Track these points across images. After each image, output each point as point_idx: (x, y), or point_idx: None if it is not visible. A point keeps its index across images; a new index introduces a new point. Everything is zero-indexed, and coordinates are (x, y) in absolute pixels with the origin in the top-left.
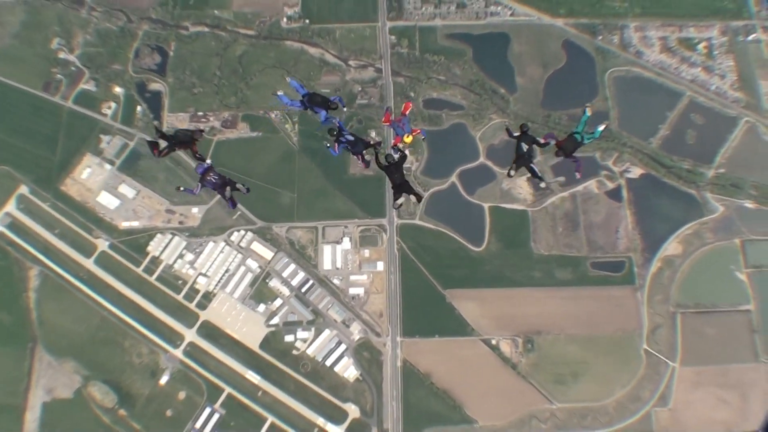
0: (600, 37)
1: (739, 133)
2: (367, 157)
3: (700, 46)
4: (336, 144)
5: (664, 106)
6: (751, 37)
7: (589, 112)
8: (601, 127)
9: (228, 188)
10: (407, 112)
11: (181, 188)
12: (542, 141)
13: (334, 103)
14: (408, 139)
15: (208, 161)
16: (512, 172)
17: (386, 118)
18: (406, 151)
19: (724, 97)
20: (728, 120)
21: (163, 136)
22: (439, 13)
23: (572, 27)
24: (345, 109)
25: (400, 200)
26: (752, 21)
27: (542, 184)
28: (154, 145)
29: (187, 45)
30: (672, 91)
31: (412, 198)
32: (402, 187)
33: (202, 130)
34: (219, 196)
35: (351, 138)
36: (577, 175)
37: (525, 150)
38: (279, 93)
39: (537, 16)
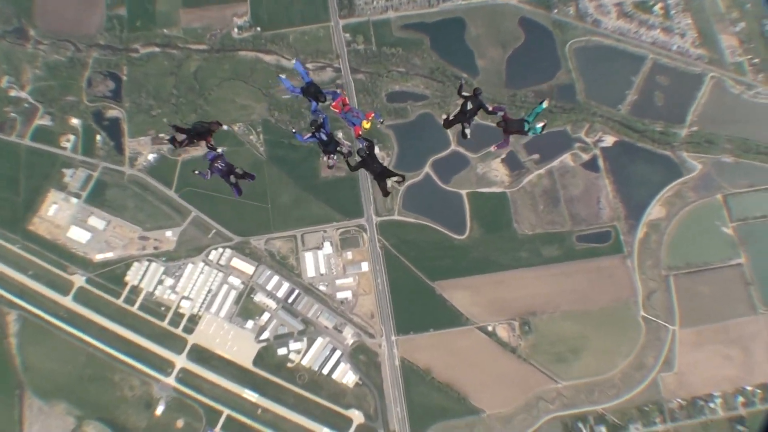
0: (555, 11)
1: (707, 89)
2: (330, 162)
3: (657, 7)
4: (312, 134)
5: (629, 72)
6: None
7: (545, 104)
8: (540, 125)
9: (232, 176)
10: (348, 106)
11: (196, 171)
12: (490, 108)
13: (324, 96)
14: (366, 124)
15: (220, 150)
16: (450, 118)
17: (336, 104)
18: (374, 141)
19: (687, 56)
20: (694, 77)
21: (180, 129)
22: (391, 5)
23: (526, 4)
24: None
25: (389, 183)
26: None
27: (467, 131)
28: (173, 139)
29: (139, 67)
30: (634, 55)
31: (392, 182)
32: (383, 173)
33: (220, 123)
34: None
35: (324, 138)
36: (492, 148)
37: (469, 109)
38: (282, 76)
39: None
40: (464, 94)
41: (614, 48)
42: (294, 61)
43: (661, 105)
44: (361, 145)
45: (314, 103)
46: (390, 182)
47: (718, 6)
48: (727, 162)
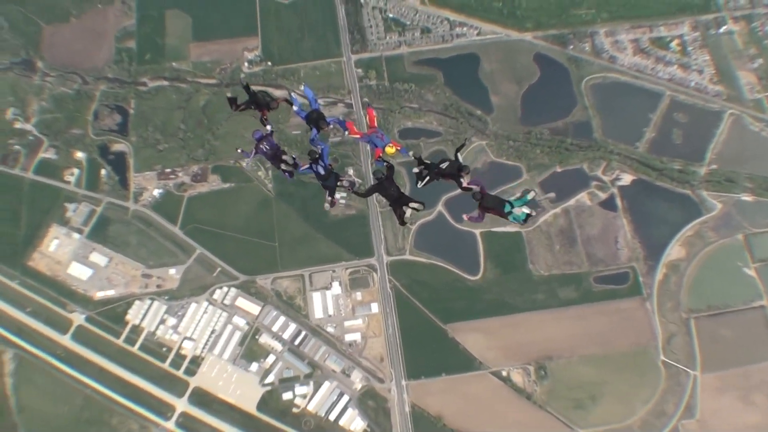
0: (571, 47)
1: (726, 126)
2: (337, 195)
3: (673, 43)
4: (309, 164)
5: (646, 108)
6: (722, 29)
7: (530, 196)
8: (525, 211)
9: (279, 161)
10: (374, 122)
11: (239, 149)
12: (464, 183)
13: (327, 123)
14: (390, 149)
15: (269, 128)
16: (421, 171)
17: (351, 127)
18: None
19: (705, 92)
20: (713, 114)
21: (248, 89)
22: (404, 41)
23: (541, 39)
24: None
25: (408, 212)
26: (721, 13)
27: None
28: (232, 101)
29: (147, 101)
30: (651, 92)
31: (408, 211)
32: (401, 199)
33: (286, 100)
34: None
35: (322, 172)
36: (465, 217)
37: (444, 169)
38: (293, 95)
39: (504, 32)
40: (459, 155)
41: (631, 84)
42: (303, 86)
43: (679, 143)
44: (378, 165)
45: (314, 131)
46: (408, 210)
47: (736, 42)
48: (747, 201)
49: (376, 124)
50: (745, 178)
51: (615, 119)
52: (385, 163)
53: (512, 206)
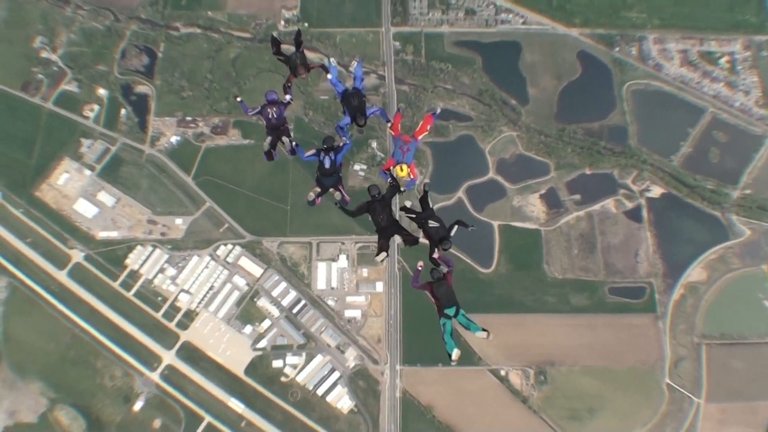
0: (617, 49)
1: (766, 152)
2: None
3: (723, 60)
4: (317, 151)
5: (686, 122)
6: None
7: (480, 333)
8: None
9: (278, 135)
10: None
11: (239, 98)
12: (435, 254)
13: (364, 119)
14: (401, 172)
15: (288, 98)
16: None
17: (396, 124)
18: (401, 188)
19: (749, 114)
20: (754, 138)
21: (277, 44)
22: (447, 20)
23: (588, 37)
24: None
25: (382, 255)
26: None
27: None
28: (276, 42)
29: (177, 46)
30: (694, 106)
31: (398, 241)
32: (388, 230)
33: (322, 66)
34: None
35: (327, 165)
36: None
37: (428, 226)
38: (331, 61)
39: (551, 25)
40: (454, 228)
41: (674, 96)
42: (356, 60)
43: (715, 162)
44: (384, 177)
45: (347, 119)
46: (385, 254)
47: None
48: None
49: (399, 131)
50: None
51: (653, 129)
52: (389, 179)
53: (459, 317)
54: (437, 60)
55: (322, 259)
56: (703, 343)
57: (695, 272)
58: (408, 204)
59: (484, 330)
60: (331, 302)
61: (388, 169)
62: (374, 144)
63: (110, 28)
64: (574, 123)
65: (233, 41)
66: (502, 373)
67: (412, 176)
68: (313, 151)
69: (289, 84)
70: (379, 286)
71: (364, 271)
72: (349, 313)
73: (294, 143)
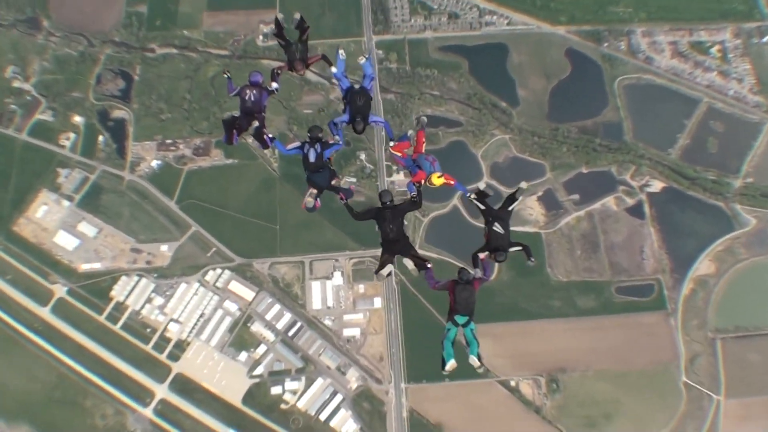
0: (606, 44)
1: (764, 138)
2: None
3: (714, 49)
4: (301, 143)
5: (681, 114)
6: (765, 39)
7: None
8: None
9: (248, 123)
10: (422, 147)
11: (226, 74)
12: (481, 256)
13: (362, 123)
14: (438, 180)
15: (275, 86)
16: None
17: (420, 143)
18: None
19: (744, 102)
20: (751, 126)
21: (280, 27)
22: (430, 25)
23: (575, 35)
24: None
25: (388, 268)
26: (765, 22)
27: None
28: (279, 25)
29: (153, 68)
30: (688, 97)
31: (409, 264)
32: (396, 245)
33: (323, 56)
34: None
35: (312, 159)
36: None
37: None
38: (339, 52)
39: (536, 24)
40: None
41: (667, 88)
42: (366, 57)
43: (714, 152)
44: (409, 191)
45: (347, 117)
46: (410, 265)
47: None
48: None
49: (423, 150)
50: None
51: (648, 122)
52: (414, 190)
53: (467, 330)
54: (422, 66)
55: (315, 277)
56: (718, 338)
57: (703, 265)
58: (482, 186)
59: (479, 359)
60: (328, 322)
61: (418, 183)
62: (363, 156)
63: (84, 54)
64: (567, 122)
65: (211, 59)
66: (512, 383)
67: (451, 182)
68: (296, 144)
69: (279, 72)
70: (378, 302)
71: (361, 287)
72: (347, 332)
73: (270, 135)
